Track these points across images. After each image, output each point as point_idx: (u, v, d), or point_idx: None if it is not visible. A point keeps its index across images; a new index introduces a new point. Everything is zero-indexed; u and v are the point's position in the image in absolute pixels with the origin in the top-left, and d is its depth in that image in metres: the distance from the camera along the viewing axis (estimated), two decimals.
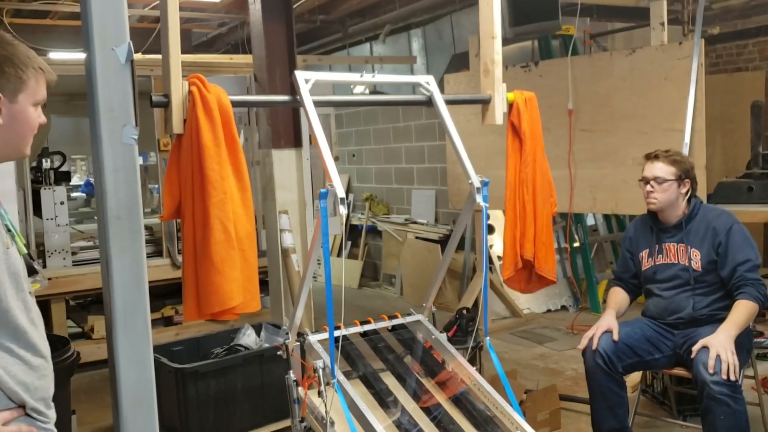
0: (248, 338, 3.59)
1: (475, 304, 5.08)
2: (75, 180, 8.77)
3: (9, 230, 1.47)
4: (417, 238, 6.89)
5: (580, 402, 3.78)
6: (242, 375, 3.37)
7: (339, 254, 7.95)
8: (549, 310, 5.89)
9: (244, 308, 2.27)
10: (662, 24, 4.31)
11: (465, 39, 5.89)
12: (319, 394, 2.29)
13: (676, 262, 3.07)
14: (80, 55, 5.00)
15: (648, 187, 3.07)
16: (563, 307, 5.95)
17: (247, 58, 5.18)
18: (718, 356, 2.71)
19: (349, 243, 8.05)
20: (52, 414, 1.52)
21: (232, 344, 3.58)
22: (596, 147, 4.60)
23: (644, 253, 3.19)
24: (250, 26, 4.44)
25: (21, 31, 5.36)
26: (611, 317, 3.08)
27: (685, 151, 4.04)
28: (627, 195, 4.46)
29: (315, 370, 2.29)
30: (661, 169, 3.05)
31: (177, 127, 2.20)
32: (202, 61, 5.11)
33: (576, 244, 5.90)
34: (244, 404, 3.38)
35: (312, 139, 4.63)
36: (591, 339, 3.00)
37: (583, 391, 3.98)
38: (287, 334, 2.57)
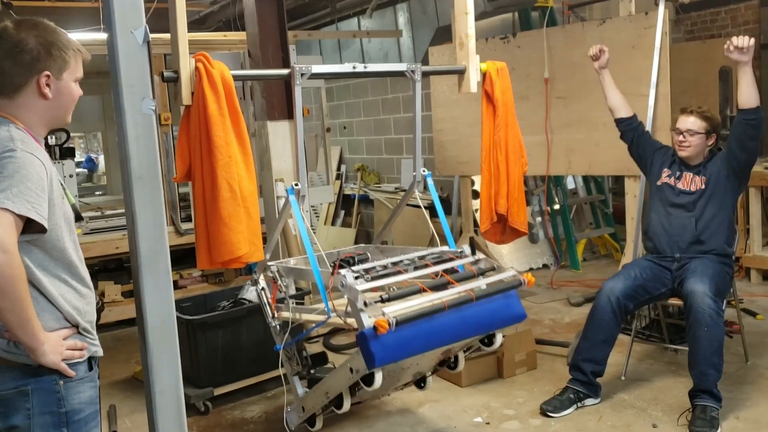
0: (251, 294, 3.90)
1: None
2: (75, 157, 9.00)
3: (61, 184, 1.78)
4: (407, 205, 7.18)
5: (555, 345, 4.14)
6: (246, 326, 3.69)
7: (333, 223, 8.26)
8: (531, 269, 6.21)
9: (250, 257, 2.59)
10: None
11: (448, 12, 6.13)
12: (279, 290, 2.88)
13: (688, 189, 3.50)
14: (81, 36, 5.20)
15: (680, 137, 3.50)
16: (545, 266, 6.27)
17: (240, 35, 5.36)
18: (705, 292, 3.16)
19: (343, 212, 8.35)
20: (96, 335, 1.84)
21: (236, 298, 3.90)
22: (570, 113, 4.88)
23: (666, 171, 3.61)
24: (243, 5, 4.68)
25: (22, 12, 5.55)
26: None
27: (650, 114, 4.34)
28: (599, 157, 4.76)
29: (274, 278, 2.87)
30: (693, 122, 3.48)
31: (186, 99, 2.51)
32: (198, 39, 5.31)
33: (556, 207, 6.19)
34: (249, 352, 3.71)
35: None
36: (609, 289, 3.39)
37: (558, 337, 4.35)
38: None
